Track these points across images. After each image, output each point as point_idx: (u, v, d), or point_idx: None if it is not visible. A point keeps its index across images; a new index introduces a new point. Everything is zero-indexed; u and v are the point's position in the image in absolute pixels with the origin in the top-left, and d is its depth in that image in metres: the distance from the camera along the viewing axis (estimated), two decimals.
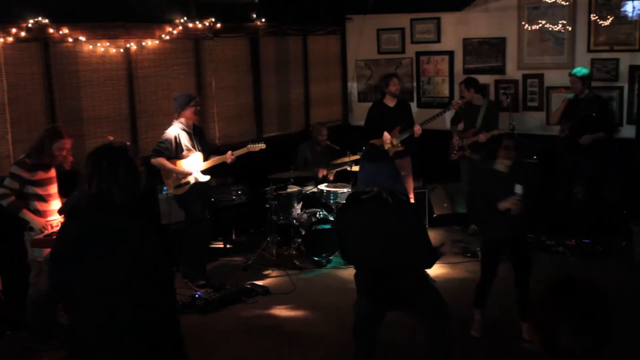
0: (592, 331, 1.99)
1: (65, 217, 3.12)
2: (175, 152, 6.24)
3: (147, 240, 2.91)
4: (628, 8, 7.32)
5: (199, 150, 6.41)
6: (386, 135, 7.58)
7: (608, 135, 7.20)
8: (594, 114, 7.07)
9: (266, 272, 6.88)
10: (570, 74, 7.23)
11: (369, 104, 8.15)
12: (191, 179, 6.34)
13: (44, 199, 5.14)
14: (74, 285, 2.89)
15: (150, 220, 3.08)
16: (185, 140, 6.29)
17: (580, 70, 7.20)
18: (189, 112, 6.28)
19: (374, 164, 4.00)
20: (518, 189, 4.84)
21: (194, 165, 6.35)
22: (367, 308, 4.07)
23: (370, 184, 3.93)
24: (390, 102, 7.73)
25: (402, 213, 3.91)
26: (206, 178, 6.43)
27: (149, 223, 3.01)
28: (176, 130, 6.26)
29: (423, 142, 7.74)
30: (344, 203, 4.30)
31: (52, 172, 5.22)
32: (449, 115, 8.16)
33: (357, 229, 3.95)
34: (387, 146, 7.61)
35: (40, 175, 5.11)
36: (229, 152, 6.51)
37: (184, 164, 6.30)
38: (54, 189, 5.23)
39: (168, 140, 6.21)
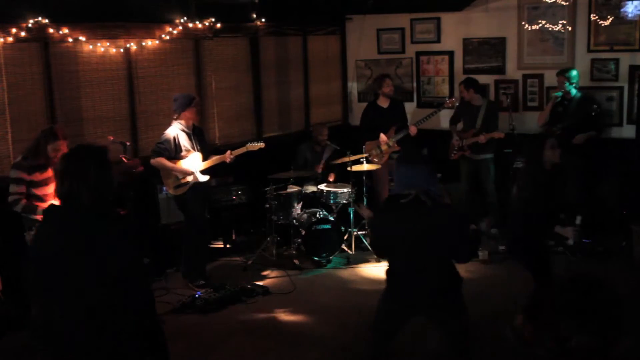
0: (598, 331, 1.99)
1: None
2: (175, 152, 6.24)
3: (117, 241, 2.91)
4: (628, 8, 7.31)
5: (198, 151, 6.41)
6: (382, 136, 7.61)
7: (598, 134, 7.22)
8: (593, 113, 7.08)
9: (266, 272, 6.88)
10: (557, 74, 7.27)
11: None
12: (190, 179, 6.34)
13: (42, 199, 5.15)
14: (46, 284, 2.90)
15: (123, 221, 3.09)
16: (184, 140, 6.29)
17: (568, 70, 7.23)
18: (189, 113, 6.28)
19: (411, 167, 3.98)
20: (578, 219, 4.81)
21: (193, 166, 6.35)
22: (392, 308, 4.05)
23: (408, 187, 3.92)
24: (384, 102, 7.76)
25: (441, 215, 3.90)
26: (205, 178, 6.43)
27: (120, 224, 3.00)
28: (175, 131, 6.26)
29: (422, 142, 7.74)
30: (382, 206, 4.28)
31: (50, 173, 5.23)
32: (448, 115, 8.16)
33: (396, 232, 3.93)
34: (383, 147, 7.63)
35: (37, 176, 5.13)
36: (228, 152, 6.51)
37: (183, 164, 6.30)
38: (51, 189, 5.23)
39: (167, 141, 6.21)
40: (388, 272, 4.09)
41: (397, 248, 3.96)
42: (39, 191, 5.14)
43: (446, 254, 3.92)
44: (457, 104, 7.83)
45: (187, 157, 6.31)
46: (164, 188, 6.75)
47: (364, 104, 8.42)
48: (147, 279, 3.11)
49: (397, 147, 7.61)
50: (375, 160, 7.65)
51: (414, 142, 7.67)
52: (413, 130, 7.56)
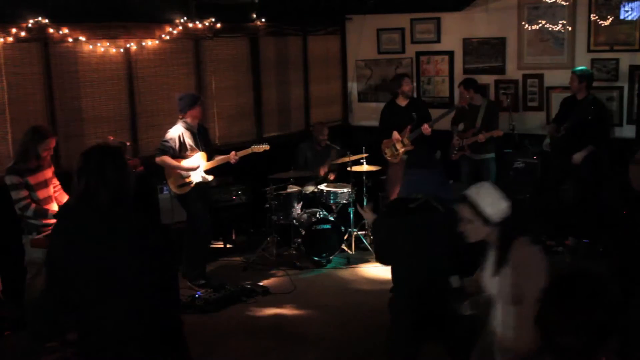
0: (590, 330, 1.98)
1: (57, 217, 3.14)
2: (179, 151, 6.24)
3: (142, 238, 2.91)
4: (627, 9, 7.30)
5: (203, 150, 6.40)
6: (395, 134, 7.56)
7: (598, 144, 7.10)
8: (589, 117, 7.02)
9: (266, 272, 6.88)
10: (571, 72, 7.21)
11: (369, 104, 8.15)
12: (194, 179, 6.33)
13: (42, 202, 5.10)
14: (70, 284, 2.90)
15: (146, 218, 3.08)
16: (189, 139, 6.28)
17: (580, 68, 7.16)
18: (195, 111, 6.30)
19: (421, 171, 3.77)
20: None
21: (197, 164, 6.35)
22: (405, 335, 3.73)
23: (416, 191, 3.70)
24: (402, 102, 7.70)
25: (452, 222, 3.58)
26: (209, 178, 6.43)
27: (144, 222, 3.01)
28: (180, 130, 6.26)
29: (434, 144, 7.70)
30: (385, 211, 4.00)
31: (45, 175, 5.18)
32: (448, 115, 8.15)
33: (401, 238, 3.66)
34: (398, 146, 7.60)
35: (31, 180, 5.07)
36: (233, 153, 6.51)
37: (187, 163, 6.30)
38: (47, 192, 5.18)
39: (172, 139, 6.21)
40: (393, 281, 3.80)
41: (401, 255, 3.69)
42: (38, 194, 5.10)
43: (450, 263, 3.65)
44: (467, 107, 7.73)
45: (191, 156, 6.31)
46: (165, 188, 6.75)
47: (364, 104, 8.43)
48: (174, 277, 3.05)
49: (411, 146, 7.56)
50: (390, 158, 7.64)
51: (427, 142, 7.61)
52: (427, 130, 7.49)
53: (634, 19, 7.21)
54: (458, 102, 7.90)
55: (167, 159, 6.20)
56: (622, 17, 7.18)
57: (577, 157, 7.02)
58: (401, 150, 7.61)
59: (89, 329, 2.93)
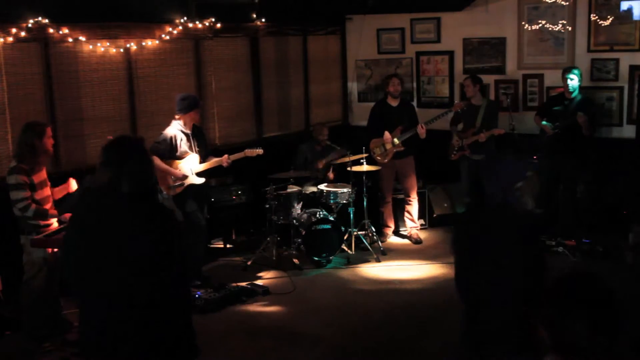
0: (605, 329, 2.00)
1: (77, 204, 3.24)
2: (170, 152, 6.20)
3: (156, 228, 2.96)
4: (626, 7, 7.30)
5: (196, 152, 6.37)
6: (386, 134, 7.57)
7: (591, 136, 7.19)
8: (594, 110, 7.08)
9: (266, 272, 6.88)
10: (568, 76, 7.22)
11: (369, 104, 8.14)
12: (185, 181, 6.30)
13: (39, 202, 5.09)
14: (84, 269, 2.95)
15: (163, 210, 3.14)
16: (182, 142, 6.24)
17: (570, 70, 7.15)
18: (195, 114, 6.26)
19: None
20: None
21: (189, 167, 6.32)
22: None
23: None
24: (393, 102, 7.71)
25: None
26: (201, 180, 6.37)
27: (161, 212, 3.07)
28: (174, 131, 6.22)
29: (423, 143, 7.73)
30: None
31: (43, 175, 5.17)
32: (448, 115, 8.15)
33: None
34: (388, 146, 7.60)
35: (35, 179, 5.06)
36: (225, 156, 6.48)
37: (180, 165, 6.27)
38: (46, 192, 5.18)
39: (164, 141, 6.18)
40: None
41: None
42: (38, 195, 5.09)
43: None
44: (464, 108, 7.71)
45: (184, 157, 6.29)
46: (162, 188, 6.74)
47: (364, 104, 8.41)
48: (182, 277, 3.10)
49: (401, 147, 7.57)
50: (379, 158, 7.63)
51: (419, 142, 7.60)
52: (421, 131, 7.48)
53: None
54: (457, 103, 7.89)
55: (157, 161, 6.13)
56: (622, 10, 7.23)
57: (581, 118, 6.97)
58: (390, 150, 7.59)
59: (95, 314, 2.96)
